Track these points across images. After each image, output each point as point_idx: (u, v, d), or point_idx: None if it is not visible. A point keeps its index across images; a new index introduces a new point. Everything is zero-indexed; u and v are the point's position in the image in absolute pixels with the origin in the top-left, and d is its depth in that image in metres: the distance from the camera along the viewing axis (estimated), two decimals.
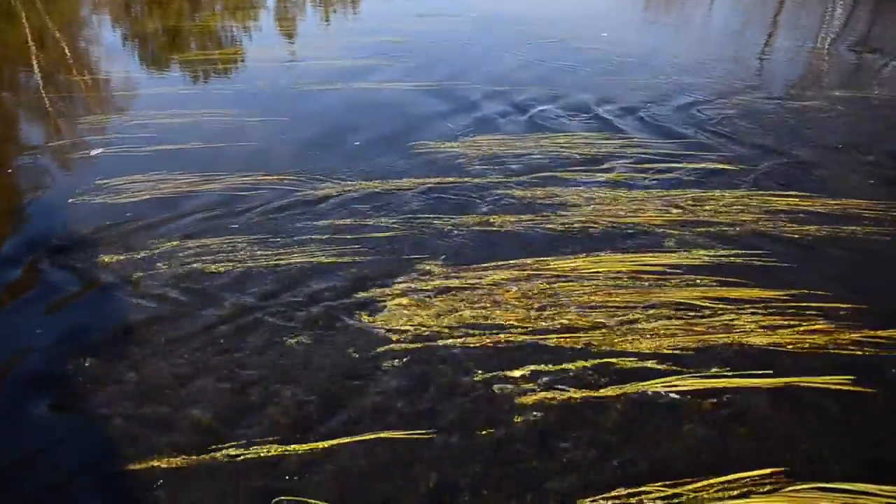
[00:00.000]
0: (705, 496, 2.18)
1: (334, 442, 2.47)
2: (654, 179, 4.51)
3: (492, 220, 4.02)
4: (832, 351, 2.82)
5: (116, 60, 8.00)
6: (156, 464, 2.40)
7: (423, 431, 2.51)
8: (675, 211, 4.02)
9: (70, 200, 4.48)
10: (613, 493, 2.21)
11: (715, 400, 2.59)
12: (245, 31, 9.73)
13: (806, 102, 6.22)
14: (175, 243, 3.83)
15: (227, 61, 7.91)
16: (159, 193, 4.50)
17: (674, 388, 2.65)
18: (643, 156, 4.94)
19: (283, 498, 2.24)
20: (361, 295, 3.33)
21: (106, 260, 3.69)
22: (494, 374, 2.78)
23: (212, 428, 2.57)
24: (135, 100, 6.79)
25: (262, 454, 2.43)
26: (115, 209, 4.29)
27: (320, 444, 2.47)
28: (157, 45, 8.75)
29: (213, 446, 2.46)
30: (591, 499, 2.20)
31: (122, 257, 3.72)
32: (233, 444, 2.47)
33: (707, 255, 3.55)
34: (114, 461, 2.41)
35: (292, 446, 2.46)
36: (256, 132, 5.65)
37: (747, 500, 2.16)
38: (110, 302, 3.34)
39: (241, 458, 2.42)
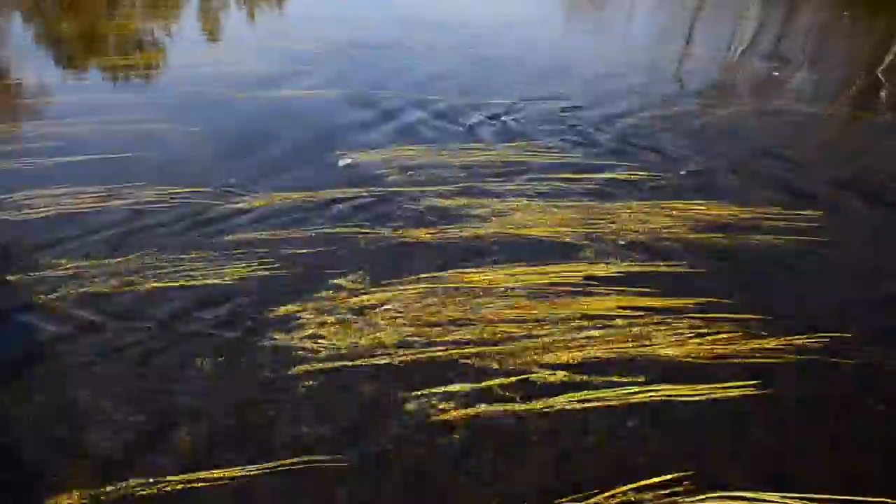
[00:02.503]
0: None
1: (244, 471, 2.40)
2: (570, 190, 4.58)
3: (409, 233, 3.99)
4: (738, 361, 2.91)
5: (26, 64, 7.60)
6: (54, 501, 2.27)
7: (338, 455, 2.46)
8: (591, 221, 4.09)
9: None
10: None
11: (625, 410, 2.64)
12: (166, 32, 9.40)
13: (718, 111, 6.44)
14: (80, 262, 3.66)
15: (145, 66, 7.63)
16: (63, 209, 4.29)
17: (586, 400, 2.68)
18: (560, 166, 5.01)
19: None
20: (275, 313, 3.25)
21: (7, 280, 3.49)
22: (410, 392, 2.75)
23: (113, 458, 2.45)
24: (43, 107, 6.46)
25: (166, 488, 2.33)
26: (15, 227, 4.07)
27: (228, 472, 2.39)
28: (71, 48, 8.36)
29: (115, 480, 2.35)
30: None
31: (23, 277, 3.52)
32: (137, 476, 2.36)
33: (622, 266, 3.62)
34: (14, 493, 2.28)
35: (198, 474, 2.37)
36: (170, 142, 5.46)
37: None
38: (12, 324, 3.16)
39: (143, 492, 2.31)
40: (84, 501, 2.27)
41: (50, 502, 2.26)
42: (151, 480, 2.35)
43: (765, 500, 2.22)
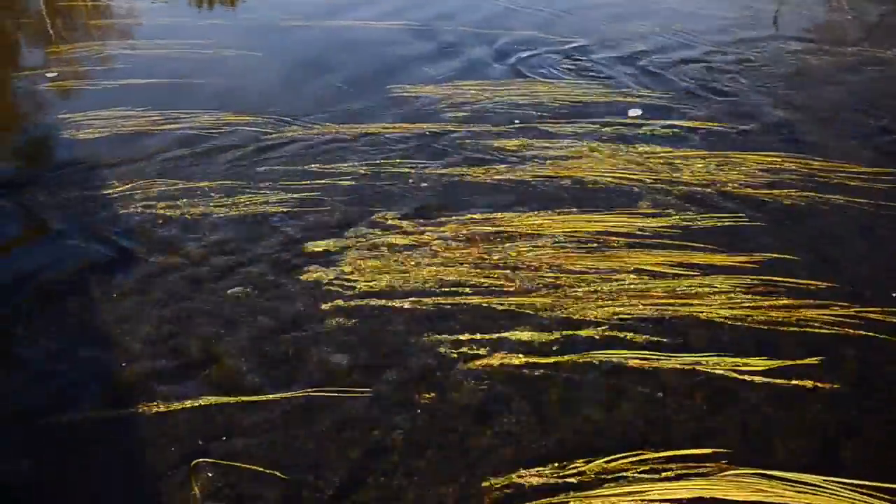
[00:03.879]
0: (639, 473, 2.09)
1: (268, 397, 2.38)
2: (634, 135, 4.30)
3: (459, 172, 3.84)
4: (797, 330, 2.68)
5: None
6: (83, 415, 2.31)
7: (362, 391, 2.41)
8: (652, 170, 3.84)
9: (28, 135, 4.37)
10: (547, 468, 2.12)
11: (664, 376, 2.48)
12: None
13: (814, 58, 5.89)
14: (132, 185, 3.69)
15: None
16: (121, 131, 4.33)
17: (623, 361, 2.53)
18: (620, 108, 4.71)
19: (202, 460, 2.15)
20: (315, 247, 3.20)
21: (59, 200, 3.56)
22: (443, 336, 2.66)
23: (143, 381, 2.47)
24: (125, 27, 6.56)
25: (193, 408, 2.34)
26: (74, 146, 4.14)
27: (253, 398, 2.37)
28: None
29: (142, 400, 2.37)
30: (522, 471, 2.11)
31: (76, 197, 3.58)
32: (165, 399, 2.37)
33: (679, 218, 3.39)
34: (41, 411, 2.33)
35: (225, 399, 2.37)
36: (232, 67, 5.43)
37: (684, 481, 2.06)
38: (60, 246, 3.22)
39: (170, 413, 2.32)
40: (111, 417, 2.30)
41: (80, 418, 2.30)
42: (179, 406, 2.35)
43: (803, 483, 2.04)
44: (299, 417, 2.32)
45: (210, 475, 2.10)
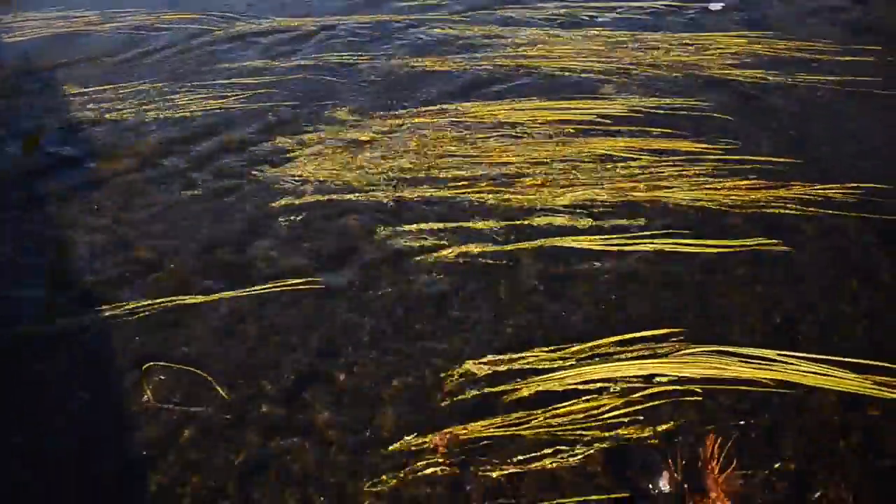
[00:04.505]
0: (594, 357, 2.08)
1: (220, 295, 2.32)
2: (598, 18, 4.12)
3: (415, 62, 3.68)
4: (757, 210, 2.63)
5: None
6: (32, 326, 2.24)
7: (316, 285, 2.35)
8: (615, 54, 3.70)
9: None
10: (506, 356, 2.10)
11: (624, 259, 2.44)
12: None
13: None
14: (70, 89, 3.49)
15: None
16: (56, 32, 4.07)
17: (583, 246, 2.48)
18: None
19: (154, 363, 2.10)
20: (266, 146, 3.07)
21: None
22: (398, 227, 2.59)
23: (94, 288, 2.39)
24: None
25: (147, 311, 2.27)
26: (4, 50, 3.89)
27: (205, 298, 2.31)
28: None
29: (95, 306, 2.30)
30: (479, 360, 2.09)
31: (10, 105, 3.39)
32: (119, 302, 2.30)
33: (642, 104, 3.28)
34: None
35: (176, 300, 2.30)
36: None
37: (640, 361, 2.06)
38: None
39: (124, 317, 2.25)
40: (63, 326, 2.24)
41: (34, 329, 2.23)
42: (132, 306, 2.28)
43: (759, 358, 2.05)
44: (250, 315, 2.26)
45: (162, 378, 2.06)
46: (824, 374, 2.00)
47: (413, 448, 1.83)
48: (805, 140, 3.05)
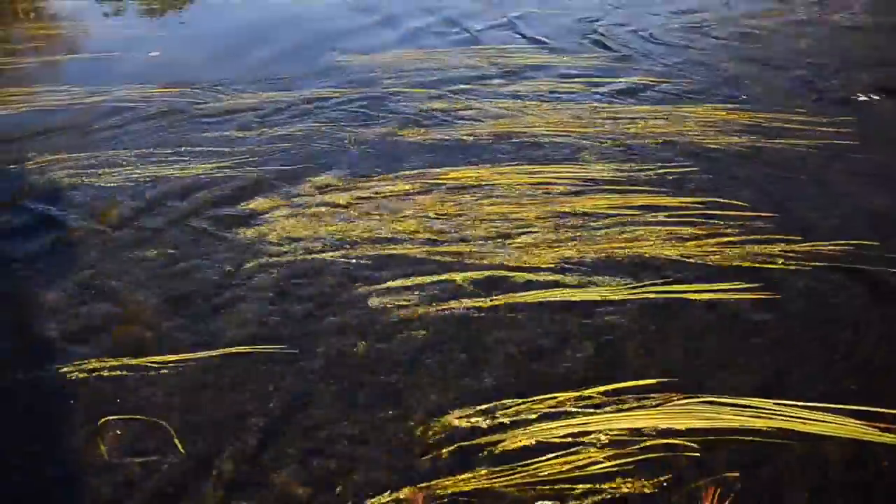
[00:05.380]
0: (582, 408, 1.96)
1: (184, 357, 2.19)
2: (576, 94, 4.21)
3: (399, 133, 3.70)
4: (744, 264, 2.58)
5: None
6: None
7: (286, 346, 2.24)
8: (594, 125, 3.74)
9: None
10: (483, 406, 1.98)
11: (610, 311, 2.36)
12: None
13: (753, 20, 5.90)
14: (47, 157, 3.46)
15: None
16: (42, 106, 4.09)
17: (566, 300, 2.41)
18: (565, 71, 4.62)
19: (111, 417, 1.96)
20: (244, 207, 3.02)
21: None
22: (375, 286, 2.50)
23: (58, 344, 2.26)
24: (41, 11, 6.27)
25: (103, 373, 2.13)
26: None
27: (169, 358, 2.18)
28: None
29: (55, 363, 2.16)
30: (458, 412, 1.96)
31: None
32: (79, 359, 2.17)
33: (622, 169, 3.28)
34: None
35: (136, 361, 2.17)
36: (161, 43, 5.20)
37: (630, 413, 1.95)
38: None
39: (84, 376, 2.11)
40: (19, 380, 2.10)
41: None
42: (97, 365, 2.15)
43: (752, 407, 1.94)
44: (216, 375, 2.13)
45: (119, 433, 1.91)
46: (823, 422, 1.89)
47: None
48: (787, 198, 3.05)
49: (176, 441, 1.88)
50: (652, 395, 2.00)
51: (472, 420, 1.94)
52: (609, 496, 1.71)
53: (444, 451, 1.84)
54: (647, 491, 1.72)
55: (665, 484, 1.74)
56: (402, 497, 1.72)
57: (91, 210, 3.00)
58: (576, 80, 4.43)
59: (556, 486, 1.73)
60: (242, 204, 3.04)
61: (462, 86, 4.32)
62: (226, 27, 5.52)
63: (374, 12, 5.93)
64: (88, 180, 3.24)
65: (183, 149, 3.54)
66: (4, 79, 4.49)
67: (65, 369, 2.14)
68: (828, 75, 4.56)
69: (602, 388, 2.03)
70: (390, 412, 1.98)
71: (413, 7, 6.02)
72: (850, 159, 3.39)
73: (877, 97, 4.16)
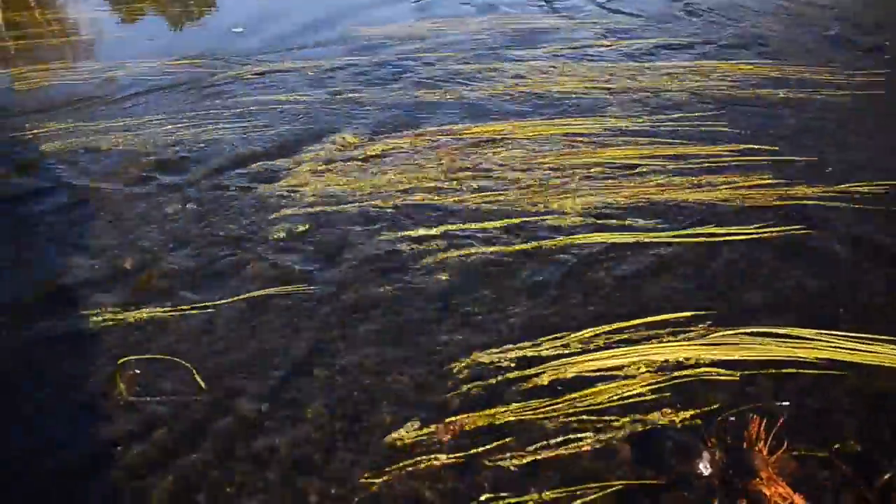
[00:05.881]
0: (619, 342, 1.89)
1: (212, 303, 2.14)
2: (601, 54, 4.12)
3: (421, 93, 3.63)
4: (780, 204, 2.49)
5: None
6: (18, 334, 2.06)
7: (314, 288, 2.18)
8: (620, 81, 3.65)
9: None
10: (524, 344, 1.91)
11: (641, 252, 2.28)
12: None
13: None
14: (69, 125, 3.44)
15: None
16: (63, 81, 4.08)
17: (597, 243, 2.33)
18: (595, 31, 4.53)
19: (130, 357, 1.92)
20: (265, 165, 2.97)
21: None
22: (403, 233, 2.44)
23: (79, 291, 2.22)
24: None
25: (137, 319, 2.08)
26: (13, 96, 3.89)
27: (197, 305, 2.13)
28: None
29: (84, 309, 2.12)
30: (490, 350, 1.89)
31: (11, 137, 3.33)
32: (108, 308, 2.13)
33: (652, 120, 3.20)
34: None
35: (165, 308, 2.12)
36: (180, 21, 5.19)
37: (672, 344, 1.87)
38: None
39: (111, 324, 2.07)
40: (58, 329, 2.06)
41: (15, 335, 2.06)
42: (125, 314, 2.10)
43: (789, 336, 1.85)
44: (241, 320, 2.07)
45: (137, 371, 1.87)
46: (869, 351, 1.80)
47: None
48: (820, 144, 2.94)
49: (197, 379, 1.84)
50: (692, 327, 1.93)
51: (502, 357, 1.87)
52: (650, 426, 1.64)
53: (475, 385, 1.78)
54: (689, 423, 1.65)
55: (708, 414, 1.66)
56: (432, 429, 1.66)
57: (114, 169, 2.98)
58: (600, 42, 4.33)
59: (594, 418, 1.66)
60: (268, 161, 2.99)
61: (485, 49, 4.25)
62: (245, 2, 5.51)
63: None
64: (117, 142, 3.21)
65: (201, 113, 3.50)
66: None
67: (90, 315, 2.10)
68: (861, 34, 4.42)
69: (638, 321, 1.95)
70: (419, 350, 1.92)
71: None
72: (883, 108, 3.28)
73: None
